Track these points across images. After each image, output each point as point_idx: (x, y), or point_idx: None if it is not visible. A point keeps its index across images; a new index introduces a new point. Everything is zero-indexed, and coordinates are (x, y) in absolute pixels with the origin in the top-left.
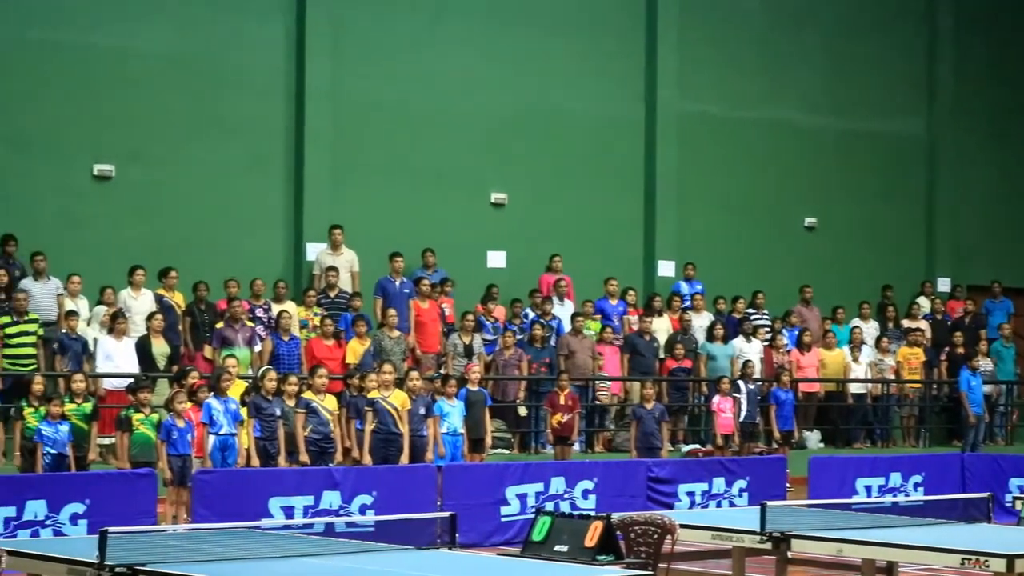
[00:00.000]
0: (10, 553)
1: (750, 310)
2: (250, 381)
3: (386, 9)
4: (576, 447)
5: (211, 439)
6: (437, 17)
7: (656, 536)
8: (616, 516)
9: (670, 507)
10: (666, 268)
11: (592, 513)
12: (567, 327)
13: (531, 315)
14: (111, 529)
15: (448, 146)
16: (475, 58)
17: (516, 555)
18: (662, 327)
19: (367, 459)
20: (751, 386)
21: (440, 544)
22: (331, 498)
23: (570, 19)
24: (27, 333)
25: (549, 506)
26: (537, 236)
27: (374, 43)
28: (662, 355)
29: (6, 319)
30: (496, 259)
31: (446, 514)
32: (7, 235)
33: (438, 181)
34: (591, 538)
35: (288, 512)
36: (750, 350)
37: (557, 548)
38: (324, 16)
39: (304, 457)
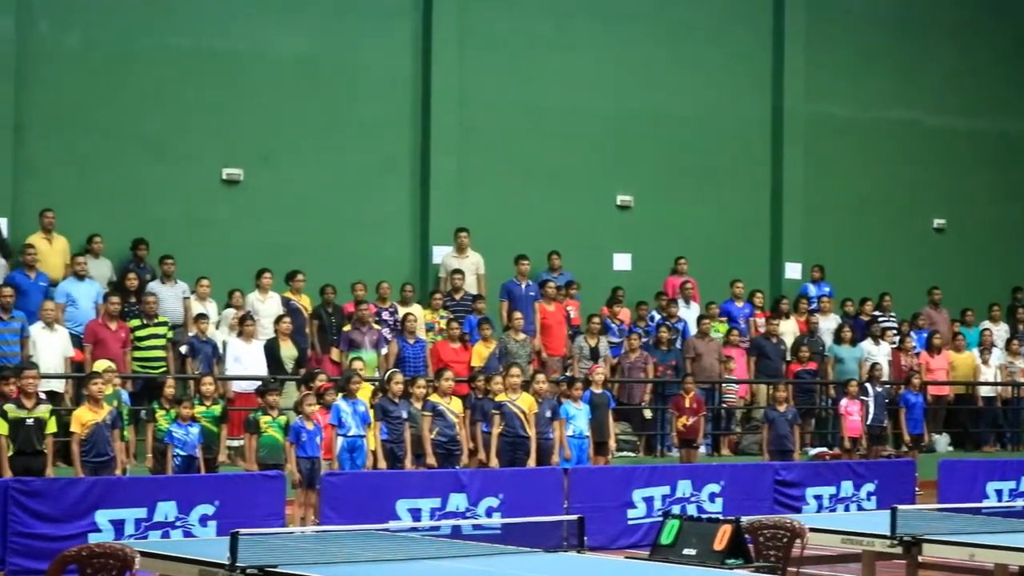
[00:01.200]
0: (143, 554)
1: (878, 312)
2: (377, 384)
3: (513, 11)
4: (702, 450)
5: (340, 441)
6: (564, 19)
7: (785, 540)
8: (745, 519)
9: (797, 511)
10: (793, 270)
11: (720, 516)
12: (693, 329)
13: (657, 317)
14: (242, 531)
15: (574, 148)
16: (601, 60)
17: (645, 558)
18: (789, 329)
19: (494, 462)
20: (879, 389)
21: (567, 547)
22: (458, 500)
23: (697, 20)
24: (157, 336)
25: (676, 509)
26: (663, 238)
27: (501, 45)
28: (788, 358)
29: (136, 322)
30: (622, 261)
31: (574, 517)
32: (138, 239)
33: (564, 183)
34: (720, 541)
35: (415, 514)
36: (878, 353)
37: (686, 551)
38: (451, 19)
39: (431, 459)
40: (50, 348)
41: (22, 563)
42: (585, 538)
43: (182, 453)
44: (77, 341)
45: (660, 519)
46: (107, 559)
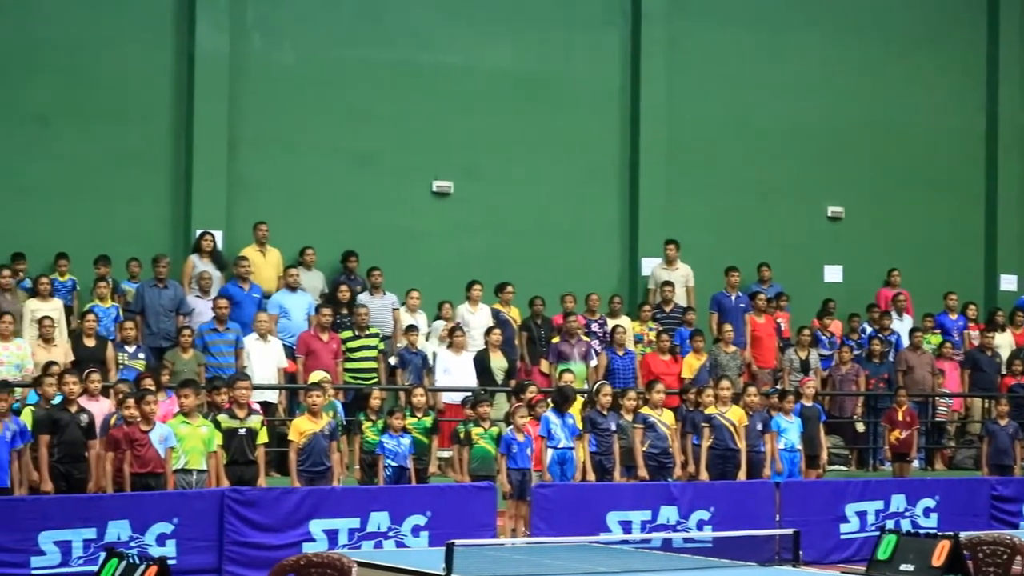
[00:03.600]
0: (359, 564)
1: None
2: (586, 396)
3: (722, 21)
4: (915, 464)
5: (550, 453)
6: (773, 29)
7: (1005, 557)
8: (963, 535)
9: (1015, 527)
10: (1008, 282)
11: (937, 532)
12: (906, 342)
13: (869, 330)
14: (457, 542)
15: (784, 159)
16: (811, 70)
17: (861, 573)
18: (1004, 342)
19: (704, 474)
20: None
21: (780, 561)
22: (668, 513)
23: (908, 29)
24: (368, 347)
25: (889, 524)
26: (874, 250)
27: (710, 56)
28: (1003, 371)
29: (348, 333)
30: (833, 273)
31: (789, 531)
32: (349, 251)
33: (774, 194)
34: (938, 558)
35: (625, 527)
36: None
37: (903, 567)
38: (659, 30)
39: (642, 472)
40: (263, 359)
41: (238, 571)
42: (800, 552)
43: (393, 464)
44: (290, 352)
45: (875, 534)
46: (325, 568)
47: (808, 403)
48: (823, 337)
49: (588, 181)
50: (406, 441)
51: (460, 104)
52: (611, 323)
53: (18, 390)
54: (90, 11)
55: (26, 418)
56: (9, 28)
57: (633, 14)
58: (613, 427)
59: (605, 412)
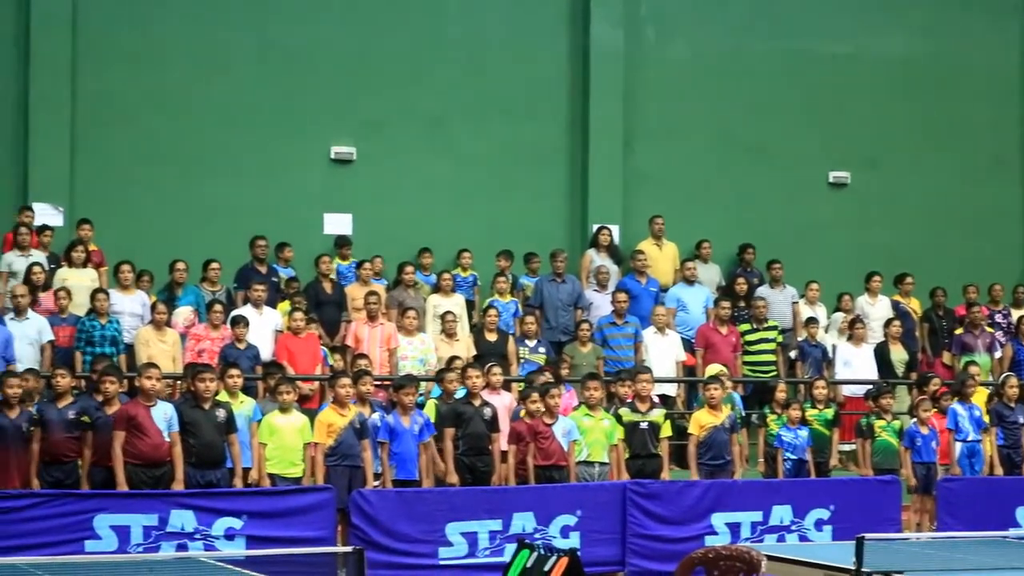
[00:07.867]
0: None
1: None
2: (992, 388)
3: None
4: None
5: (958, 446)
6: None
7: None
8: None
9: None
10: None
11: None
12: None
13: None
14: (867, 536)
15: None
16: None
17: None
18: None
19: None
20: None
21: None
22: None
23: None
24: (767, 340)
25: None
26: None
27: None
28: None
29: (746, 326)
30: None
31: None
32: (745, 244)
33: None
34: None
35: None
36: None
37: None
38: None
39: None
40: (661, 352)
41: (642, 564)
42: None
43: (792, 457)
44: (688, 345)
45: None
46: (734, 562)
47: None
48: None
49: (988, 169)
50: (804, 433)
51: (855, 93)
52: (1015, 314)
53: (422, 384)
54: (486, 10)
55: (429, 412)
56: (407, 30)
57: None
58: (1020, 420)
59: (1012, 405)
